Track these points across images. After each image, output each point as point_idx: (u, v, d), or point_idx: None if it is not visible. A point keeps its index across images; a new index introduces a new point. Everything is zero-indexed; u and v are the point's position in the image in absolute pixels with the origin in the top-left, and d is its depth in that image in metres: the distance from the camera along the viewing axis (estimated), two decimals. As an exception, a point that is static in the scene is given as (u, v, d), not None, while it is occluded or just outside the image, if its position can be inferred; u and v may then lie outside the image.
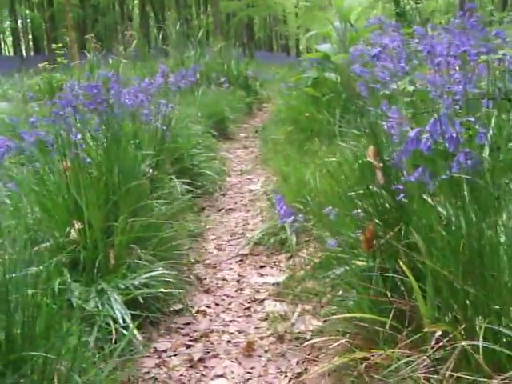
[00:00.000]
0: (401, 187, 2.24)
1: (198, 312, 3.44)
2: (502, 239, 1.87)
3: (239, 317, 3.40)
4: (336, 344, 2.35)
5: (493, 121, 3.40)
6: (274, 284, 3.71)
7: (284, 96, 8.79)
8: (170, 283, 3.35)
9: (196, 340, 3.14)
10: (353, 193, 2.71)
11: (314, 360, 2.77)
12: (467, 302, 1.87)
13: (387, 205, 2.36)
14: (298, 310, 3.25)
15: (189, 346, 3.07)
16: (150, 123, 4.92)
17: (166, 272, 3.30)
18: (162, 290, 3.20)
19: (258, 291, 3.68)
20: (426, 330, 1.85)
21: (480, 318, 1.87)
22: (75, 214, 3.40)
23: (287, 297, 3.44)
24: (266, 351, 2.98)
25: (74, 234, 3.37)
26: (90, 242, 3.26)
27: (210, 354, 3.00)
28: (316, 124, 5.82)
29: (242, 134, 9.00)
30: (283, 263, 4.00)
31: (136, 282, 3.12)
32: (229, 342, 3.11)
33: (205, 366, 2.89)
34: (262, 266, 4.04)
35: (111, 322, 2.84)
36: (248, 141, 8.57)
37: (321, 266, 3.31)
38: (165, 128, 4.82)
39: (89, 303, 2.94)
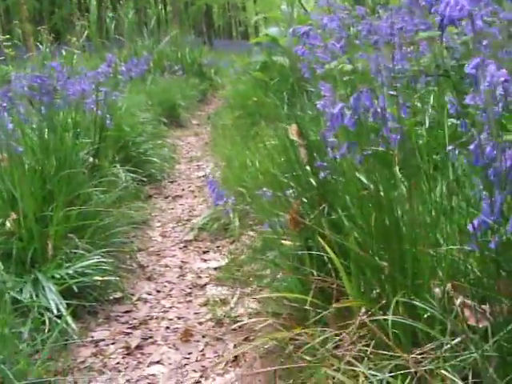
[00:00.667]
0: (324, 164, 2.22)
1: (138, 300, 3.40)
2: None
3: (180, 303, 3.37)
4: (262, 325, 2.32)
5: (432, 97, 3.41)
6: (215, 269, 3.69)
7: (233, 81, 8.75)
8: (108, 271, 3.30)
9: (135, 327, 3.10)
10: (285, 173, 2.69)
11: (250, 343, 2.75)
12: (383, 277, 1.86)
13: (313, 183, 2.34)
14: (237, 293, 3.23)
15: (127, 334, 3.04)
16: (93, 112, 4.85)
17: (104, 260, 3.25)
18: (98, 278, 3.15)
19: (199, 277, 3.65)
20: (340, 306, 1.82)
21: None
22: (10, 205, 3.34)
23: (228, 281, 3.42)
24: (204, 336, 2.96)
25: (8, 225, 3.31)
26: (26, 233, 3.20)
27: (148, 340, 2.97)
28: (264, 108, 5.78)
29: (194, 121, 8.95)
30: (226, 248, 3.97)
31: (71, 271, 3.06)
32: (167, 328, 3.09)
33: (142, 353, 2.86)
34: (205, 252, 4.02)
35: (45, 313, 2.78)
36: (200, 128, 8.52)
37: (259, 248, 3.30)
38: (107, 116, 4.74)
39: (23, 294, 2.89)
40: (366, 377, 1.66)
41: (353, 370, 1.76)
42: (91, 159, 4.17)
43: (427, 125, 3.19)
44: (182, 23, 23.86)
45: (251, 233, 3.73)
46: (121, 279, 3.47)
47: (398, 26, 3.48)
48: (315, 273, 2.16)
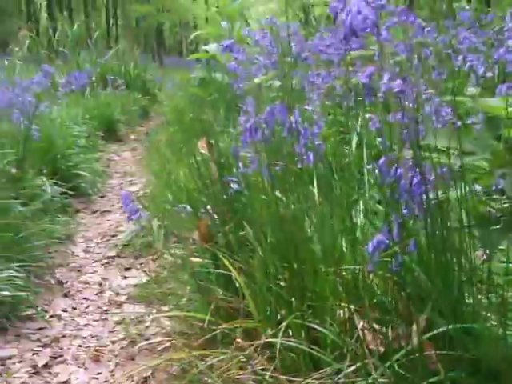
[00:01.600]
0: (233, 179, 2.15)
1: (52, 316, 3.27)
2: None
3: (95, 321, 3.25)
4: (166, 346, 2.23)
5: (360, 117, 3.39)
6: (135, 286, 3.57)
7: (173, 97, 8.68)
8: (21, 287, 3.16)
9: (45, 345, 2.97)
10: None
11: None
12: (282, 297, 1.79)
13: (224, 197, 2.27)
14: (154, 312, 3.13)
15: (36, 352, 2.90)
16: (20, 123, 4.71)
17: (16, 275, 3.11)
18: (7, 293, 3.01)
19: (118, 294, 3.54)
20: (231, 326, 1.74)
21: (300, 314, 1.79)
22: None
23: (146, 300, 3.31)
24: (116, 355, 2.85)
25: None
26: None
27: (58, 359, 2.85)
28: (199, 124, 5.71)
29: (132, 136, 8.82)
30: (149, 265, 3.87)
31: (-24, 286, 2.93)
32: (79, 346, 2.96)
33: (49, 372, 2.74)
34: (127, 269, 3.90)
35: None
36: (138, 143, 8.38)
37: (181, 266, 3.20)
38: (32, 127, 4.59)
39: None
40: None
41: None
42: (13, 170, 4.03)
43: (354, 143, 3.18)
44: (132, 39, 23.73)
45: (176, 250, 3.63)
46: (35, 295, 3.33)
47: (327, 43, 3.46)
48: (221, 292, 2.08)
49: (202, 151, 2.28)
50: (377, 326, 1.63)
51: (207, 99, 6.33)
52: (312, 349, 1.67)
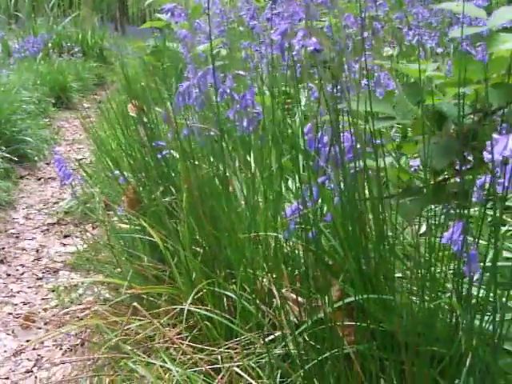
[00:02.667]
0: (162, 143, 2.09)
1: (-15, 283, 3.19)
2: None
3: (29, 287, 3.18)
4: (86, 313, 2.17)
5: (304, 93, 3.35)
6: (72, 254, 3.49)
7: (128, 66, 8.50)
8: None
9: (-26, 313, 2.89)
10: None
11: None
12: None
13: (152, 163, 2.21)
14: (88, 280, 3.06)
15: (-34, 320, 2.83)
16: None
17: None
18: None
19: (55, 261, 3.46)
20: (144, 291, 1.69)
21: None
22: None
23: (82, 267, 3.24)
24: (46, 323, 2.78)
25: None
26: None
27: (-14, 326, 2.77)
28: (150, 92, 5.60)
29: (86, 104, 8.64)
30: (89, 233, 3.78)
31: None
32: (10, 313, 2.89)
33: (-25, 339, 2.66)
34: (66, 236, 3.82)
35: None
36: (90, 111, 8.22)
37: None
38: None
39: None
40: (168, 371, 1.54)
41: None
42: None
43: (299, 114, 3.13)
44: (92, 6, 23.26)
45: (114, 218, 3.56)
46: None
47: (276, 12, 3.39)
48: (146, 259, 2.02)
49: (132, 114, 2.22)
50: (295, 297, 1.59)
51: (160, 68, 6.22)
52: (227, 318, 1.63)
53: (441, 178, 1.45)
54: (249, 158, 2.26)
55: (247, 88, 2.48)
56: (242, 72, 2.43)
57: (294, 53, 1.33)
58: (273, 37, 1.33)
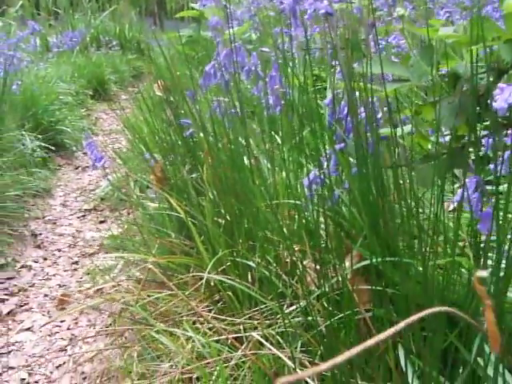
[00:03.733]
0: (188, 122, 2.11)
1: (23, 267, 3.26)
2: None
3: (65, 271, 3.23)
4: (117, 289, 2.21)
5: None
6: (108, 238, 3.54)
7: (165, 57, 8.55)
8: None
9: (12, 294, 2.96)
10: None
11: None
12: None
13: (179, 141, 2.23)
14: (122, 262, 3.10)
15: (3, 301, 2.89)
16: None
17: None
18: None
19: (91, 245, 3.51)
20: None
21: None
22: None
23: (118, 250, 3.29)
24: (81, 304, 2.82)
25: None
26: None
27: (23, 307, 2.83)
28: (185, 81, 5.64)
29: (123, 96, 8.72)
30: (124, 217, 3.83)
31: None
32: (46, 295, 2.95)
33: (13, 320, 2.73)
34: (101, 222, 3.88)
35: None
36: (127, 102, 8.30)
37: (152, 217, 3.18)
38: (12, 80, 4.53)
39: None
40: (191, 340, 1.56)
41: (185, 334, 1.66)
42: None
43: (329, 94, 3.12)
44: (132, 2, 23.47)
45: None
46: (7, 246, 3.31)
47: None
48: (173, 235, 2.05)
49: (158, 93, 2.24)
50: (318, 267, 1.59)
51: (195, 56, 6.26)
52: (249, 288, 1.64)
53: (460, 144, 1.45)
54: (274, 135, 2.26)
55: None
56: (266, 49, 2.44)
57: (306, 16, 1.33)
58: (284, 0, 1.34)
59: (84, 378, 2.34)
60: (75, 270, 3.22)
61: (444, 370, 1.27)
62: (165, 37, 13.85)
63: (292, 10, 1.38)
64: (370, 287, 1.34)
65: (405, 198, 1.35)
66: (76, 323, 2.69)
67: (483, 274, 0.57)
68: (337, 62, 2.70)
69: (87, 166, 5.21)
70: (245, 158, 1.79)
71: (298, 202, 1.56)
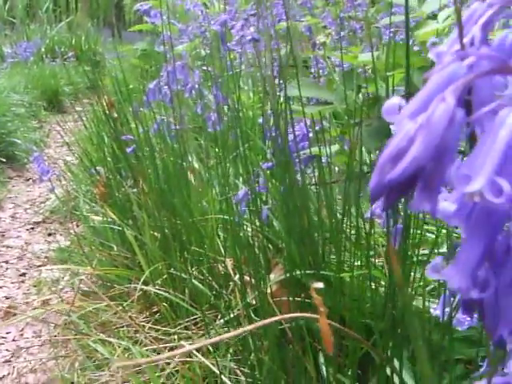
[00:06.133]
0: (130, 137, 2.18)
1: (-31, 280, 3.26)
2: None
3: (12, 283, 3.24)
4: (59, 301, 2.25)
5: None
6: (56, 250, 3.57)
7: (120, 69, 8.59)
8: None
9: (-44, 307, 2.96)
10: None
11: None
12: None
13: (121, 156, 2.29)
14: (69, 274, 3.14)
15: None
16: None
17: None
18: None
19: (38, 258, 3.53)
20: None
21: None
22: None
23: (65, 263, 3.32)
24: (27, 316, 2.85)
25: None
26: None
27: (-33, 320, 2.84)
28: (136, 94, 5.69)
29: (78, 108, 8.73)
30: (72, 230, 3.86)
31: None
32: (-9, 308, 2.96)
33: (-43, 332, 2.73)
34: (50, 234, 3.89)
35: None
36: (82, 114, 8.30)
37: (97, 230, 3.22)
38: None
39: None
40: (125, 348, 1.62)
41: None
42: None
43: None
44: (87, 12, 23.32)
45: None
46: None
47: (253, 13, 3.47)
48: (115, 248, 2.11)
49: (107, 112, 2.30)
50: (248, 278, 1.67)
51: (148, 70, 6.31)
52: (183, 300, 1.70)
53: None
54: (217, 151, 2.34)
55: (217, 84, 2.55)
56: (207, 67, 2.51)
57: (233, 42, 1.41)
58: (213, 27, 1.41)
59: (27, 389, 2.38)
60: (22, 281, 3.24)
61: (362, 376, 1.36)
62: (121, 49, 13.82)
63: (221, 35, 1.46)
64: (293, 299, 1.42)
65: (330, 213, 1.44)
66: (21, 335, 2.71)
67: (319, 285, 0.64)
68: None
69: (38, 179, 5.21)
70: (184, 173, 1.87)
71: (228, 218, 1.63)
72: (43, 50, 10.57)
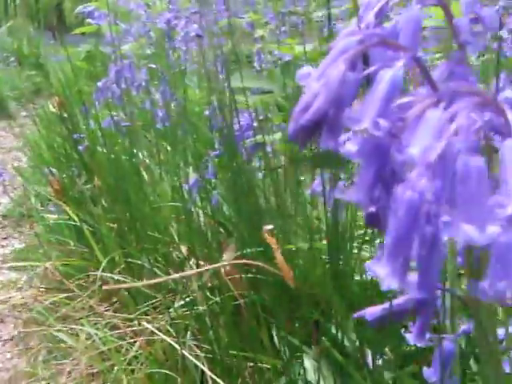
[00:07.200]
0: (81, 136, 2.25)
1: None
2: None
3: (-31, 288, 3.27)
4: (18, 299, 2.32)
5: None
6: (11, 253, 3.61)
7: (63, 72, 8.56)
8: None
9: None
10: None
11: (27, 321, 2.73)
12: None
13: (74, 154, 2.37)
14: (25, 276, 3.18)
15: None
16: None
17: None
18: None
19: (-6, 262, 3.56)
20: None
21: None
22: None
23: (20, 263, 3.36)
24: (-12, 316, 2.89)
25: None
26: None
27: None
28: (84, 95, 5.72)
29: (23, 113, 8.68)
30: (26, 232, 3.89)
31: None
32: (-50, 313, 2.99)
33: None
34: (4, 238, 3.92)
35: None
36: (28, 119, 8.26)
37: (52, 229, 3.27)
38: None
39: None
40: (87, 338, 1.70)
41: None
42: None
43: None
44: (28, 16, 23.02)
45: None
46: None
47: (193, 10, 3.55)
48: (72, 243, 2.18)
49: (54, 110, 2.36)
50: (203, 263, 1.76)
51: (93, 72, 6.34)
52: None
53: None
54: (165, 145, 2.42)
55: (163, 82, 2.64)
56: (153, 65, 2.60)
57: (178, 39, 1.50)
58: (158, 25, 1.50)
59: (-10, 389, 2.43)
60: (-21, 286, 3.27)
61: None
62: (63, 52, 13.67)
63: (167, 32, 1.55)
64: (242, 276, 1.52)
65: (276, 196, 1.54)
66: (-20, 338, 2.75)
67: (270, 227, 0.75)
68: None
69: (-12, 184, 5.20)
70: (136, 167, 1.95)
71: (180, 205, 1.72)
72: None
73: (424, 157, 0.35)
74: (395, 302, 0.56)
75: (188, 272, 1.27)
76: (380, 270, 0.37)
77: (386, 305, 0.60)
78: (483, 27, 0.47)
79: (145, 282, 1.54)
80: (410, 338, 0.63)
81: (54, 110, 2.48)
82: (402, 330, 0.68)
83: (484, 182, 0.34)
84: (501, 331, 0.64)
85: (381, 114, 0.38)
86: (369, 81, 0.41)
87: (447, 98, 0.38)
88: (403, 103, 0.40)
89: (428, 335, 0.62)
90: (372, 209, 0.40)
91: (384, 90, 0.39)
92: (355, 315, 0.65)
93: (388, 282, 0.36)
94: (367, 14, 0.46)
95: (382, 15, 0.46)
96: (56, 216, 2.46)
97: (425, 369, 0.67)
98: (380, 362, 1.12)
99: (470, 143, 0.34)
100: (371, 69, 0.40)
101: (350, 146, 0.40)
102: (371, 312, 0.62)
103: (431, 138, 0.35)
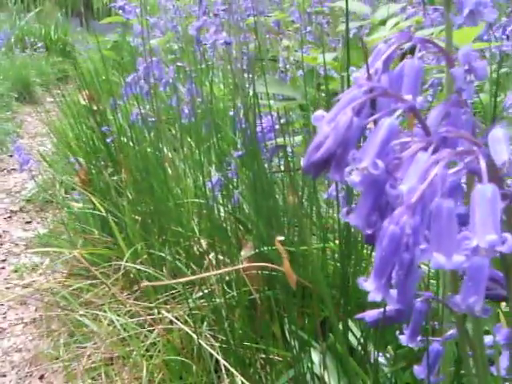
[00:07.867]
0: (109, 129, 2.34)
1: (-50, 268, 3.39)
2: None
3: (-9, 270, 3.38)
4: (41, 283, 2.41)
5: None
6: (34, 238, 3.71)
7: (91, 60, 8.68)
8: None
9: None
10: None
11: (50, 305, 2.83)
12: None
13: (102, 146, 2.46)
14: (48, 260, 3.28)
15: None
16: None
17: None
18: None
19: (17, 245, 3.67)
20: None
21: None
22: None
23: (43, 248, 3.46)
24: (8, 301, 2.99)
25: None
26: None
27: (-50, 306, 2.97)
28: (110, 86, 5.81)
29: (49, 99, 8.80)
30: (50, 218, 4.00)
31: None
32: (-27, 294, 3.09)
33: None
34: (28, 222, 4.03)
35: None
36: (53, 105, 8.39)
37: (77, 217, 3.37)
38: None
39: None
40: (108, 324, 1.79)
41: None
42: None
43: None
44: (58, 2, 23.18)
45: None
46: None
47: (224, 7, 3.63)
48: (96, 232, 2.27)
49: (83, 103, 2.45)
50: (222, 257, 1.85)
51: (120, 62, 6.42)
52: (162, 276, 1.88)
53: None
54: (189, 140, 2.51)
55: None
56: (180, 63, 2.68)
57: (207, 45, 1.58)
58: (190, 32, 1.58)
59: (13, 367, 2.53)
60: (3, 268, 3.38)
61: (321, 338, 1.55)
62: (91, 40, 13.82)
63: (196, 39, 1.63)
64: (261, 272, 1.60)
65: (294, 197, 1.62)
66: (4, 317, 2.85)
67: (281, 238, 0.83)
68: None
69: (13, 169, 5.33)
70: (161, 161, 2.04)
71: (202, 201, 1.81)
72: (12, 40, 10.59)
73: (408, 197, 0.44)
74: (387, 308, 0.65)
75: (211, 272, 1.35)
76: (368, 286, 0.47)
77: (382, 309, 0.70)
78: (475, 77, 0.55)
79: (177, 279, 1.62)
80: (403, 339, 0.73)
81: (83, 101, 2.56)
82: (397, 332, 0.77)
83: (453, 221, 0.44)
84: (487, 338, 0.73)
85: (379, 155, 0.47)
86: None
87: (437, 142, 0.47)
88: (401, 142, 0.49)
89: (419, 337, 0.72)
90: (369, 231, 0.49)
91: (382, 136, 0.48)
92: (357, 316, 0.75)
93: (374, 296, 0.46)
94: (376, 61, 0.54)
95: (389, 62, 0.55)
96: (81, 204, 2.55)
97: (415, 367, 0.77)
98: (382, 358, 1.20)
99: (445, 189, 0.43)
100: (374, 117, 0.49)
101: (354, 176, 0.49)
102: (370, 314, 0.72)
103: (416, 180, 0.44)
